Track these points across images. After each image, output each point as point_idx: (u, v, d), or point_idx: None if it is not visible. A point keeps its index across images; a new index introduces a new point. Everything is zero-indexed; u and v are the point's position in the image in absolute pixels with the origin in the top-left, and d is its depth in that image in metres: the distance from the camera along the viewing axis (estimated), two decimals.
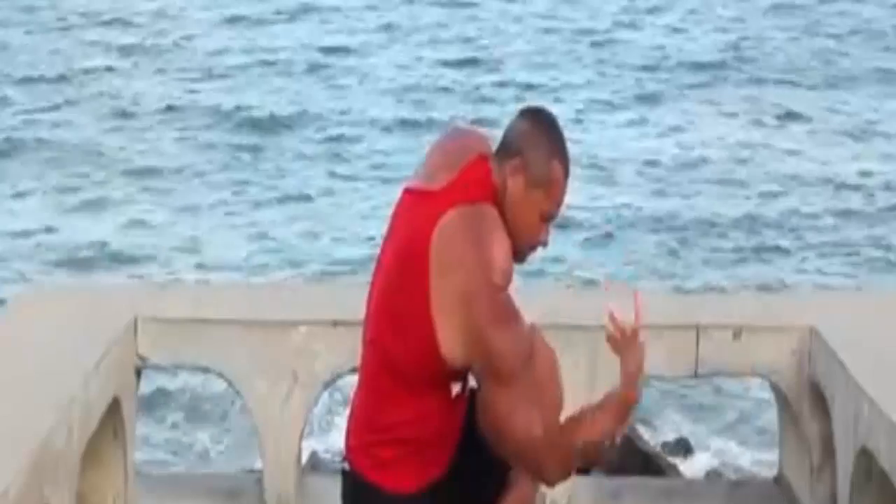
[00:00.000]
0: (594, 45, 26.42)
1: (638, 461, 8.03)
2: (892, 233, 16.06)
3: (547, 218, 3.67)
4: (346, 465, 3.84)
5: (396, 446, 3.73)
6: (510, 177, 3.62)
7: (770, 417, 8.31)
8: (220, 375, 5.75)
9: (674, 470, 8.08)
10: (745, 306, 6.24)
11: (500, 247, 3.55)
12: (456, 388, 3.74)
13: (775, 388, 5.87)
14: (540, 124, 3.68)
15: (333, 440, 8.98)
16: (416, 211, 3.63)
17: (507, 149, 3.65)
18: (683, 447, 8.68)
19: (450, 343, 3.55)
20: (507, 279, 3.55)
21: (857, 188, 17.85)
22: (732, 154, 19.32)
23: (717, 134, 20.34)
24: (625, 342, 3.75)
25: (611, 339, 3.75)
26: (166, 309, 5.79)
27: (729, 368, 5.80)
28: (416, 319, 3.57)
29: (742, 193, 17.58)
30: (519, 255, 3.68)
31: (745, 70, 24.43)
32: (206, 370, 5.80)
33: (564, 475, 3.76)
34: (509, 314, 3.55)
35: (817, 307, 5.99)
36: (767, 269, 14.52)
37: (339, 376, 5.71)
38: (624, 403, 3.76)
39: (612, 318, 3.73)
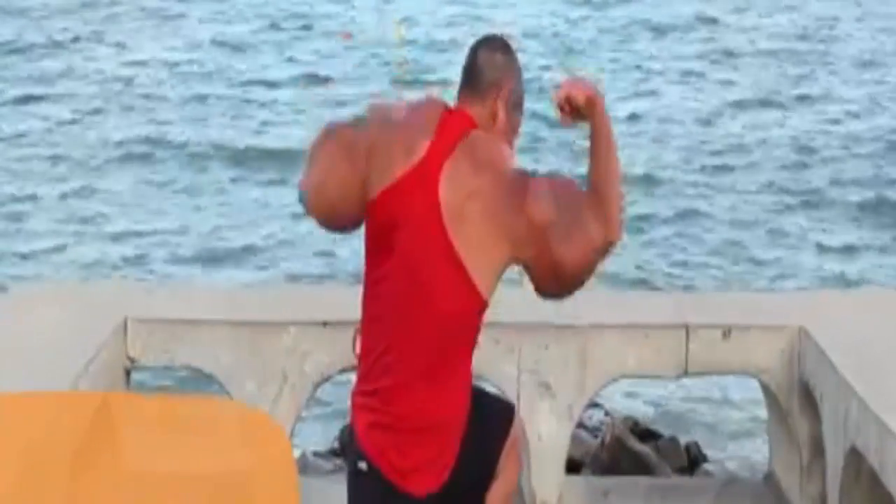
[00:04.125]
0: None
1: (627, 460, 8.02)
2: None
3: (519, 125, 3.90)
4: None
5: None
6: (501, 109, 3.79)
7: (760, 416, 8.32)
8: (210, 376, 5.75)
9: (663, 469, 8.07)
10: (734, 306, 6.25)
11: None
12: None
13: (765, 388, 5.88)
14: (506, 51, 3.83)
15: (323, 441, 8.94)
16: (414, 192, 3.67)
17: (489, 83, 3.79)
18: (673, 446, 8.67)
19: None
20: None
21: None
22: None
23: None
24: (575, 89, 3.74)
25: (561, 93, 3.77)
26: (156, 310, 5.79)
27: (718, 368, 5.82)
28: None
29: None
30: None
31: None
32: (195, 371, 5.79)
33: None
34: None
35: (807, 307, 6.01)
36: (757, 268, 14.42)
37: (329, 377, 5.70)
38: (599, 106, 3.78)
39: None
